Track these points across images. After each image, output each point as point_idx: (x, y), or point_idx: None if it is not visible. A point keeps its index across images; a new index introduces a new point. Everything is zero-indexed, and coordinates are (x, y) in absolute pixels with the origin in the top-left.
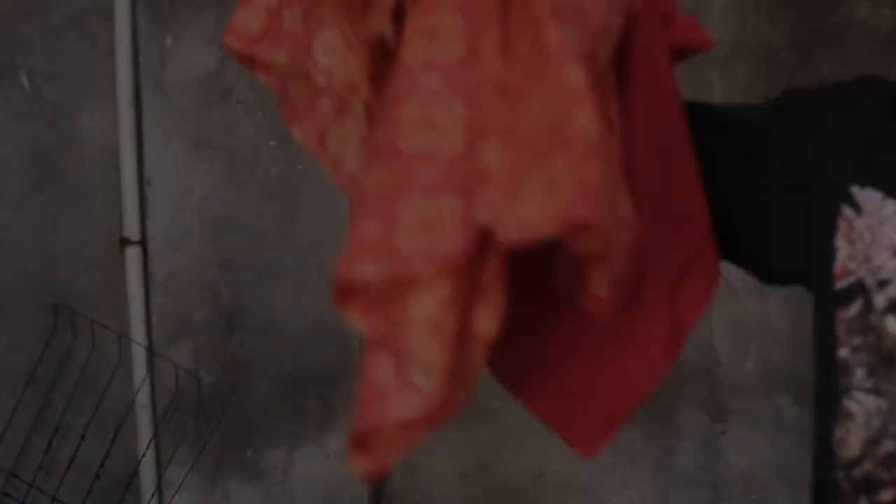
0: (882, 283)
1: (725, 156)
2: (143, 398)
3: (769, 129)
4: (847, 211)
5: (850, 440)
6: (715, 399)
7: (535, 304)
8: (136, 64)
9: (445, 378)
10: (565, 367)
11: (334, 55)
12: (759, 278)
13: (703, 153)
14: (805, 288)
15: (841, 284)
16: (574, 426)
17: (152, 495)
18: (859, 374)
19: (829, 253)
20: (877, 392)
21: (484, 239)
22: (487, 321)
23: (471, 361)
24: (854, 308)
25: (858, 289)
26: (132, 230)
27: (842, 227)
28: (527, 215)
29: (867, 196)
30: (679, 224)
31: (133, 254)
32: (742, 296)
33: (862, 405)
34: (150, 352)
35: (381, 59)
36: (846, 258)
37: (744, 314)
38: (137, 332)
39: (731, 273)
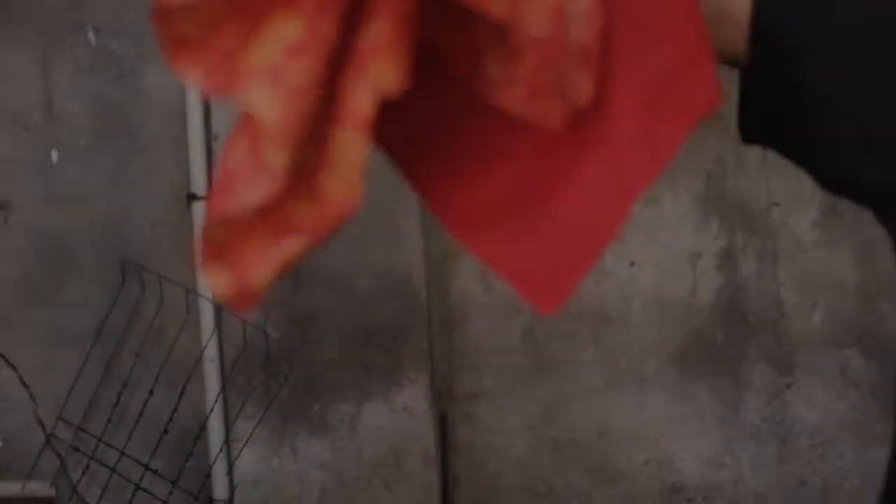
0: None
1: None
2: (210, 353)
3: None
4: None
5: None
6: (781, 352)
7: (478, 120)
8: None
9: (296, 147)
10: (515, 195)
11: None
12: (817, 177)
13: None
14: (864, 207)
15: None
16: (528, 271)
17: (220, 449)
18: None
19: None
20: None
21: None
22: (362, 100)
23: (345, 149)
24: None
25: None
26: (199, 185)
27: None
28: None
29: None
30: (663, 25)
31: (200, 209)
32: (809, 248)
33: None
34: (218, 307)
35: None
36: None
37: (810, 266)
38: (205, 287)
39: (799, 225)
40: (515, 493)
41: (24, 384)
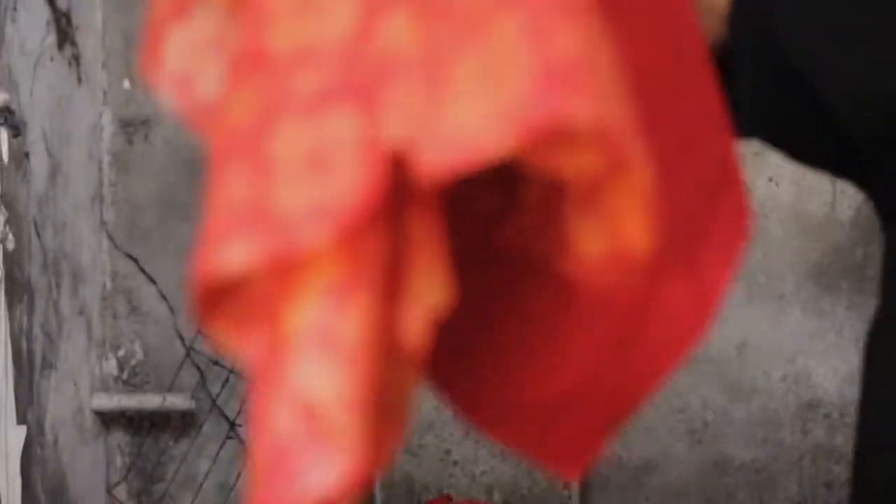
0: None
1: None
2: None
3: None
4: None
5: None
6: None
7: (482, 277)
8: None
9: (366, 412)
10: (540, 370)
11: None
12: (804, 154)
13: None
14: (844, 179)
15: None
16: (550, 441)
17: None
18: None
19: None
20: None
21: (400, 174)
22: (416, 323)
23: (400, 386)
24: None
25: None
26: None
27: None
28: (462, 123)
29: None
30: (691, 148)
31: None
32: None
33: None
34: None
35: None
36: None
37: None
38: None
39: None
40: (651, 408)
41: (165, 297)
